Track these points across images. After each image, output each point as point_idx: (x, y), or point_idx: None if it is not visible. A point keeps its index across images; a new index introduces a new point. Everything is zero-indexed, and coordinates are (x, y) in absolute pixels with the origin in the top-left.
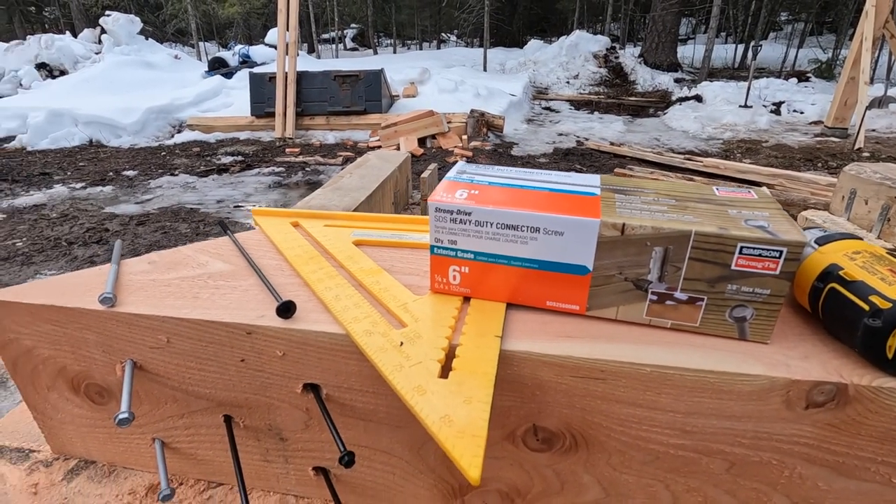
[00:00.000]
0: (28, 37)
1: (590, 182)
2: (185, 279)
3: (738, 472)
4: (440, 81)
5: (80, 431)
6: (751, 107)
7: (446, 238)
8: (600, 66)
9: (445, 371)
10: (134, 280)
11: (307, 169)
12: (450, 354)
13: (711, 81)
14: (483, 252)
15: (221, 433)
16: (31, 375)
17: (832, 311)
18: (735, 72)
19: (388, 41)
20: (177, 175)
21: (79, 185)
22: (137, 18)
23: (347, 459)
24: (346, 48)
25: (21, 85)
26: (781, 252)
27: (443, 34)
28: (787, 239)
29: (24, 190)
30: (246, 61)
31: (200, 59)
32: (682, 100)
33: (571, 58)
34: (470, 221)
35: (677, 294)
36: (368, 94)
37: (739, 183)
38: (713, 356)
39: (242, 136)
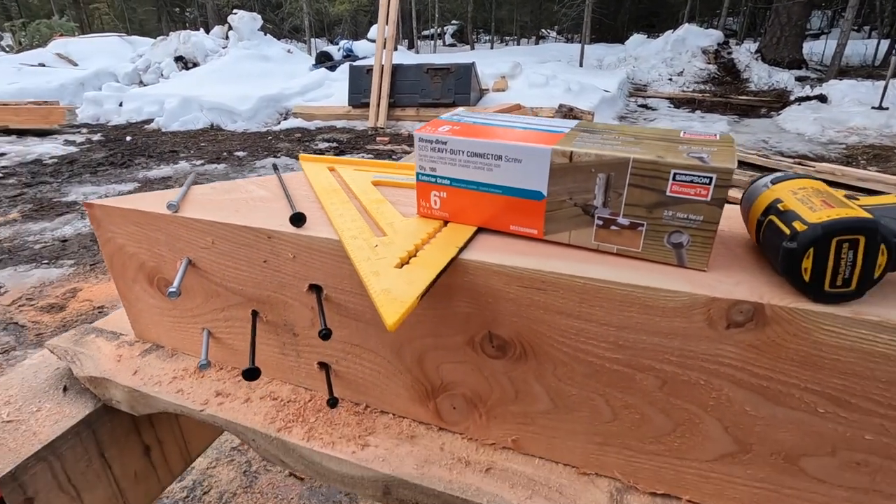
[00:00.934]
0: (170, 33)
1: (566, 125)
2: (233, 200)
3: (670, 390)
4: (531, 76)
5: (154, 320)
6: (887, 108)
7: (428, 165)
8: (709, 63)
9: (402, 265)
10: (197, 197)
11: (394, 157)
12: (412, 255)
13: (840, 80)
14: (457, 178)
15: (250, 327)
16: (122, 269)
17: (767, 239)
18: (874, 70)
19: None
20: (279, 157)
21: (199, 162)
22: (259, 16)
23: (325, 333)
24: (444, 44)
25: (162, 75)
26: (711, 178)
27: (542, 30)
28: (716, 165)
29: (157, 164)
30: (349, 55)
31: (310, 54)
32: (801, 99)
33: (676, 53)
34: (446, 150)
35: (620, 219)
36: (458, 87)
37: (858, 191)
38: (646, 275)
39: (339, 124)
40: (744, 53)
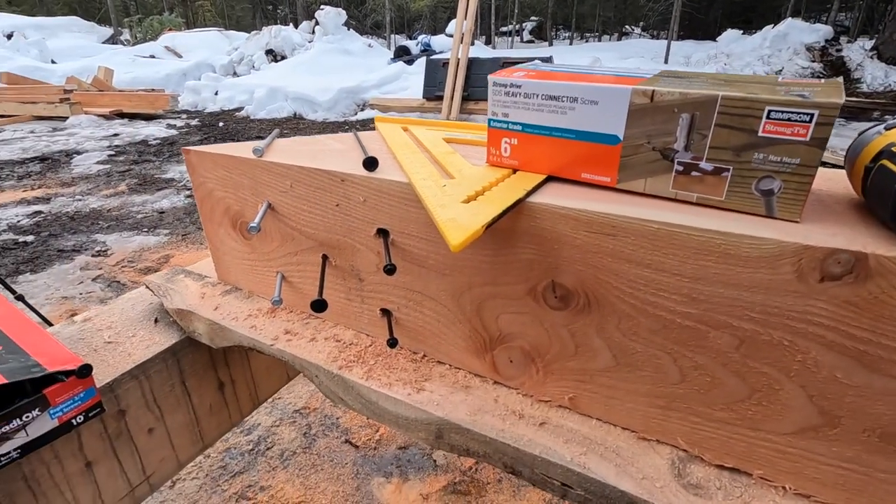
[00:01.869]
0: (263, 28)
1: (648, 71)
2: (312, 150)
3: (748, 351)
4: None
5: (234, 263)
6: None
7: (500, 111)
8: (813, 61)
9: (469, 202)
10: (280, 147)
11: None
12: (479, 194)
13: None
14: (529, 124)
15: (319, 272)
16: (210, 212)
17: (875, 186)
18: None
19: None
20: None
21: None
22: (343, 11)
23: (390, 268)
24: (522, 40)
25: (253, 66)
26: (812, 115)
27: (626, 26)
28: (820, 101)
29: None
30: (426, 50)
31: (389, 49)
32: None
33: (776, 50)
34: (519, 94)
35: (703, 164)
36: None
37: None
38: (728, 222)
39: (413, 116)
40: (856, 51)
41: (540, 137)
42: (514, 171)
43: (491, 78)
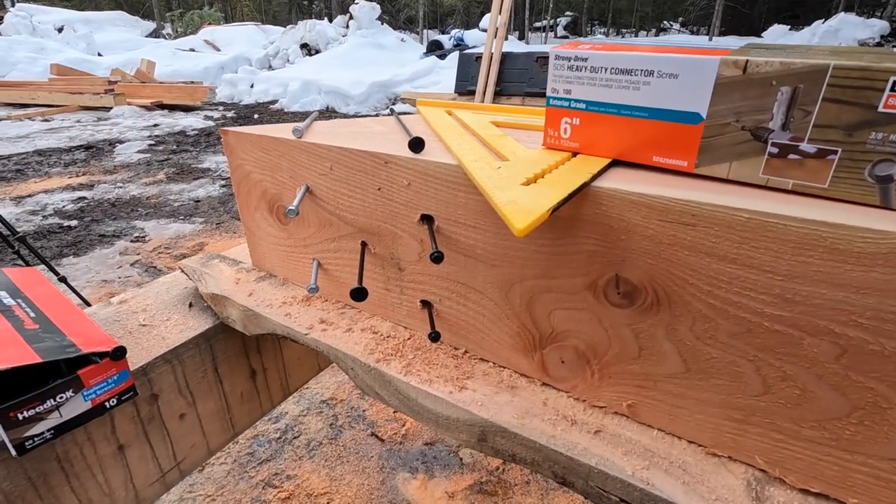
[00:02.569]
0: (298, 22)
1: (732, 44)
2: (352, 132)
3: (850, 362)
4: None
5: (269, 249)
6: None
7: (562, 87)
8: None
9: (529, 185)
10: (319, 129)
11: None
12: (538, 178)
13: None
14: (594, 101)
15: (357, 259)
16: (246, 196)
17: None
18: None
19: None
20: None
21: None
22: (378, 6)
23: (437, 255)
24: (556, 36)
25: (288, 60)
26: None
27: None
28: None
29: None
30: (459, 44)
31: (421, 43)
32: None
33: None
34: (585, 68)
35: (803, 145)
36: None
37: None
38: (835, 213)
39: None
40: None
41: (606, 116)
42: (574, 154)
43: (553, 51)
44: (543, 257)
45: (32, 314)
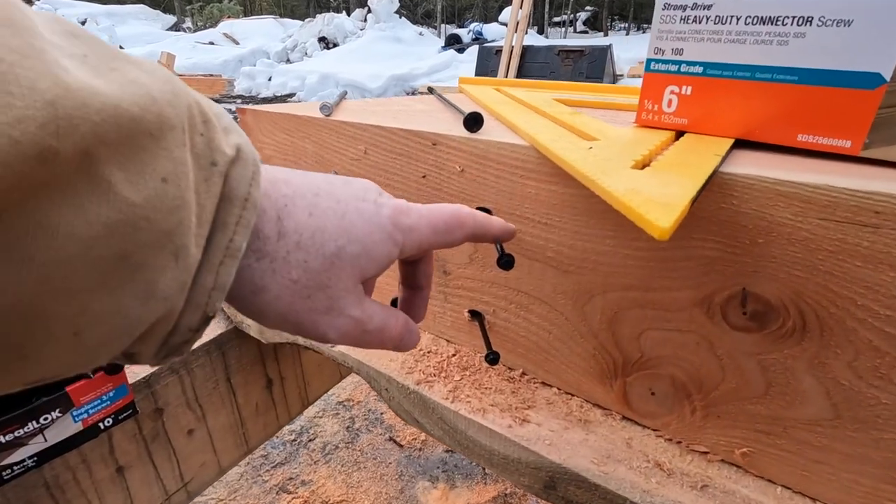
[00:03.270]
0: (316, 16)
1: None
2: (390, 110)
3: None
4: None
5: None
6: None
7: (670, 46)
8: None
9: (642, 168)
10: (350, 107)
11: None
12: (646, 160)
13: None
14: (718, 63)
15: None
16: None
17: None
18: None
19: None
20: None
21: None
22: (397, 0)
23: (506, 260)
24: (575, 31)
25: (306, 53)
26: None
27: None
28: None
29: None
30: (478, 38)
31: (439, 37)
32: None
33: None
34: (708, 19)
35: None
36: (591, 70)
37: None
38: None
39: None
40: None
41: (732, 82)
42: (679, 134)
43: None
44: (638, 264)
45: None
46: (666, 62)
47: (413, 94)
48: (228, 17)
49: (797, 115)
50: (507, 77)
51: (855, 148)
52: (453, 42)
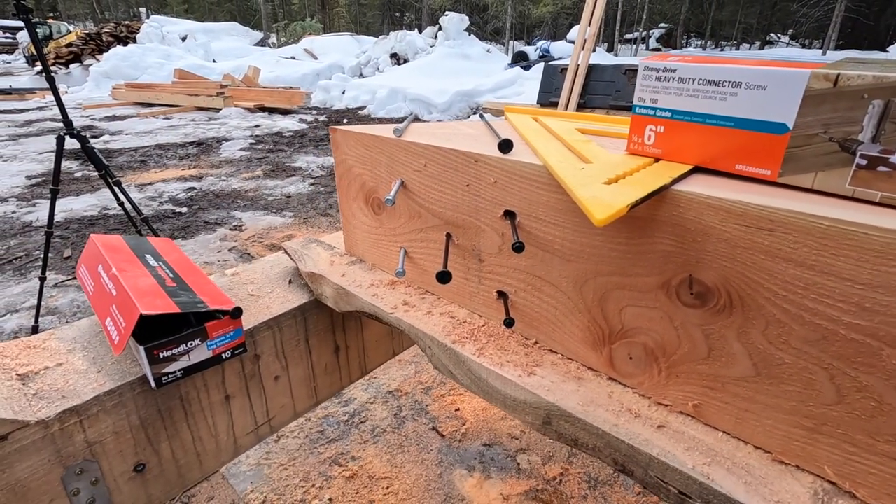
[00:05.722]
0: (390, 33)
1: (821, 58)
2: (446, 133)
3: None
4: None
5: (362, 236)
6: None
7: (648, 97)
8: None
9: (611, 183)
10: (416, 130)
11: None
12: (620, 178)
13: None
14: (680, 110)
15: (440, 251)
16: (347, 187)
17: None
18: None
19: (698, 42)
20: None
21: None
22: (466, 17)
23: (518, 245)
24: (647, 48)
25: (378, 69)
26: None
27: (770, 34)
28: None
29: None
30: (545, 56)
31: (507, 54)
32: None
33: None
34: (673, 79)
35: (894, 157)
36: None
37: None
38: None
39: None
40: None
41: (690, 125)
42: (656, 160)
43: (642, 62)
44: (619, 255)
45: (171, 275)
46: (646, 108)
47: (477, 109)
48: (310, 33)
49: (734, 150)
50: (570, 95)
51: (773, 175)
52: (520, 59)
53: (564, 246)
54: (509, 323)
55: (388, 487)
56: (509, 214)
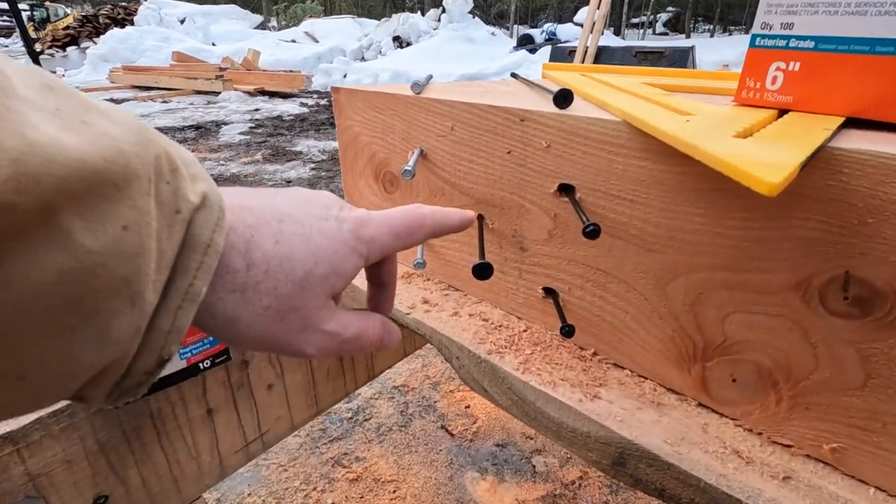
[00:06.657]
0: (392, 15)
1: None
2: (478, 91)
3: None
4: None
5: None
6: None
7: (779, 21)
8: None
9: (745, 137)
10: (439, 88)
11: None
12: (748, 133)
13: None
14: (833, 37)
15: (468, 238)
16: (353, 161)
17: None
18: None
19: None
20: None
21: None
22: (471, 0)
23: (592, 229)
24: (654, 32)
25: (380, 52)
26: None
27: None
28: None
29: None
30: (551, 38)
31: (512, 38)
32: None
33: None
34: None
35: None
36: None
37: None
38: None
39: None
40: None
41: (848, 57)
42: (781, 112)
43: None
44: (730, 244)
45: None
46: (773, 37)
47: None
48: (311, 16)
49: None
50: None
51: None
52: (525, 42)
53: (646, 231)
54: (568, 331)
55: (394, 491)
56: (566, 189)
